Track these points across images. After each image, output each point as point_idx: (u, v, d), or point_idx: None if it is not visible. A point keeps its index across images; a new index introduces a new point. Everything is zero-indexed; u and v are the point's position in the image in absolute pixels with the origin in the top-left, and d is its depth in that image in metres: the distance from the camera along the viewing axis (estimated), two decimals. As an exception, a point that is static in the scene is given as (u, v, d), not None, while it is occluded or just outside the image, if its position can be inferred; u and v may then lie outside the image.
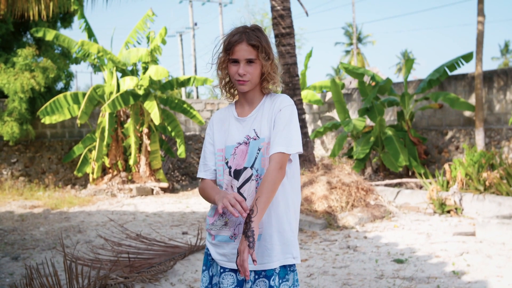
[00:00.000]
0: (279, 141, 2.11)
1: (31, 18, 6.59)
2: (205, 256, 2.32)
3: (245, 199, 2.15)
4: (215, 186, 2.25)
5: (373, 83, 11.94)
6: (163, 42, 11.75)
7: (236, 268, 2.17)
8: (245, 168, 2.17)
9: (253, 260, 1.92)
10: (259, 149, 2.16)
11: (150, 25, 12.39)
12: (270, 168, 2.07)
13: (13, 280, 4.91)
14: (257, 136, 2.18)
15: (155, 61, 11.93)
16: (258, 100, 2.25)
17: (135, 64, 12.27)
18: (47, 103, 11.37)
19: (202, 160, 2.32)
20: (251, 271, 2.16)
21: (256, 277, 2.15)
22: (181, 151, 11.94)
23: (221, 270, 2.22)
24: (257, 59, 2.15)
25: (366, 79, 12.78)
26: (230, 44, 2.14)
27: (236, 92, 2.29)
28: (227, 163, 2.22)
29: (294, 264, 2.22)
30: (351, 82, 17.81)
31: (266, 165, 2.14)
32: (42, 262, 4.89)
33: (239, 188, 2.18)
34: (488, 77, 10.67)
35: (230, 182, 2.20)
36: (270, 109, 2.20)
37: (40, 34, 11.32)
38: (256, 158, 2.16)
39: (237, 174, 2.19)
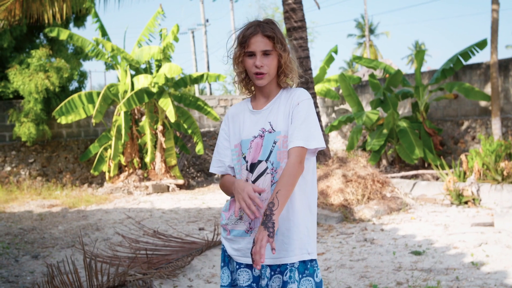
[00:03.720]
0: (298, 135, 2.08)
1: (46, 21, 6.67)
2: (222, 252, 2.31)
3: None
4: (232, 178, 2.23)
5: (387, 75, 11.85)
6: (176, 39, 11.78)
7: (251, 263, 2.15)
8: (259, 161, 2.15)
9: (272, 249, 1.88)
10: (274, 142, 2.13)
11: (160, 22, 12.44)
12: (290, 162, 2.04)
13: (33, 278, 4.98)
14: (273, 129, 2.15)
15: (168, 58, 11.97)
16: (274, 93, 2.22)
17: (148, 62, 12.33)
18: (62, 103, 11.47)
19: (216, 156, 2.29)
20: (267, 266, 2.14)
21: (272, 273, 2.14)
22: (199, 148, 11.97)
23: (237, 266, 2.20)
24: (274, 50, 2.12)
25: (379, 72, 12.68)
26: (245, 38, 2.12)
27: (253, 88, 2.26)
28: (244, 157, 2.19)
29: (316, 260, 2.19)
30: (364, 75, 17.70)
31: (282, 159, 2.11)
32: (62, 260, 4.96)
33: (253, 182, 2.15)
34: (504, 65, 10.53)
35: (246, 176, 2.18)
36: (287, 103, 2.17)
37: (54, 34, 11.40)
38: (271, 151, 2.13)
39: (252, 167, 2.16)
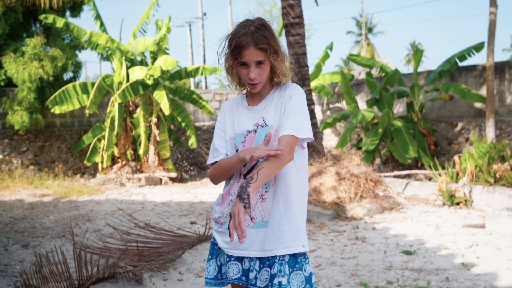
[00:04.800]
0: (289, 125, 2.10)
1: (42, 6, 6.59)
2: (211, 245, 2.32)
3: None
4: (228, 157, 2.21)
5: (383, 74, 11.85)
6: (168, 30, 11.75)
7: (241, 256, 2.17)
8: None
9: (251, 218, 1.86)
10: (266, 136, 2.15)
11: (155, 13, 12.42)
12: (279, 147, 2.04)
13: (23, 267, 4.95)
14: (265, 124, 2.18)
15: (163, 50, 11.92)
16: (268, 91, 2.26)
17: (143, 54, 12.28)
18: (56, 93, 11.41)
19: (212, 147, 2.31)
20: (256, 259, 2.15)
21: (261, 266, 2.15)
22: (192, 141, 11.94)
23: (227, 259, 2.22)
24: (267, 60, 2.13)
25: (375, 71, 12.68)
26: (237, 49, 2.10)
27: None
28: (237, 150, 2.22)
29: (306, 254, 2.20)
30: (360, 73, 17.72)
31: None
32: (51, 250, 4.93)
33: (245, 175, 2.17)
34: (500, 68, 10.56)
35: (240, 169, 2.19)
36: (280, 97, 2.21)
37: (49, 21, 11.25)
38: None
39: None
